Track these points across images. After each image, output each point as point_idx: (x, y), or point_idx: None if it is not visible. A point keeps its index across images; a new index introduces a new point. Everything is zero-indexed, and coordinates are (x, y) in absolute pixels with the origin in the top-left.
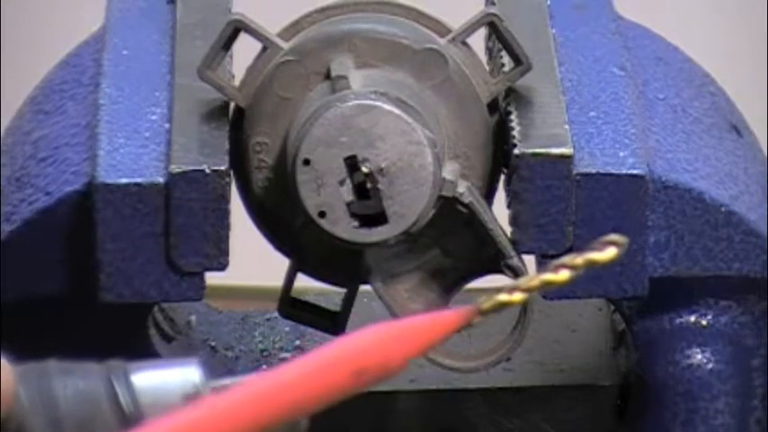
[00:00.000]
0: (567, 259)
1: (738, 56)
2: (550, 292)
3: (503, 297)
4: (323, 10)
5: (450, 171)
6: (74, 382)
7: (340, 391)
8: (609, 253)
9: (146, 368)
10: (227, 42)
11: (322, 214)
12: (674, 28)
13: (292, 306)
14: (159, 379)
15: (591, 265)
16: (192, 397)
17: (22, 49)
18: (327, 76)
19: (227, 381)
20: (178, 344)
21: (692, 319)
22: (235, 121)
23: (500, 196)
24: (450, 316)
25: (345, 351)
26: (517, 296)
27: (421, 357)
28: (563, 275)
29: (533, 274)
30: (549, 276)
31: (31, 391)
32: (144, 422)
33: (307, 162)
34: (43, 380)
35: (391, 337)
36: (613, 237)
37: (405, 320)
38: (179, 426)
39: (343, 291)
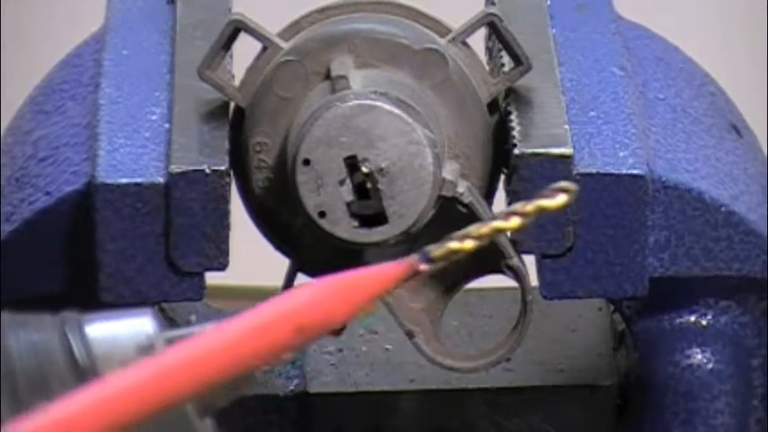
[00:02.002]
0: (517, 206)
1: (738, 56)
2: (550, 292)
3: (453, 245)
4: (323, 10)
5: (450, 171)
6: (27, 334)
7: (282, 349)
8: (559, 200)
9: (99, 319)
10: (227, 42)
11: (322, 214)
12: (674, 28)
13: None
14: (113, 330)
15: (541, 211)
16: (145, 347)
17: (22, 49)
18: (327, 76)
19: (180, 331)
20: None
21: (692, 319)
22: (235, 121)
23: (500, 196)
24: (392, 268)
25: (286, 308)
26: (468, 244)
27: (421, 357)
28: (513, 222)
29: (482, 222)
30: (499, 224)
31: None
32: (93, 378)
33: (307, 162)
34: None
35: (332, 292)
36: (563, 183)
37: (346, 274)
38: (114, 391)
39: None
